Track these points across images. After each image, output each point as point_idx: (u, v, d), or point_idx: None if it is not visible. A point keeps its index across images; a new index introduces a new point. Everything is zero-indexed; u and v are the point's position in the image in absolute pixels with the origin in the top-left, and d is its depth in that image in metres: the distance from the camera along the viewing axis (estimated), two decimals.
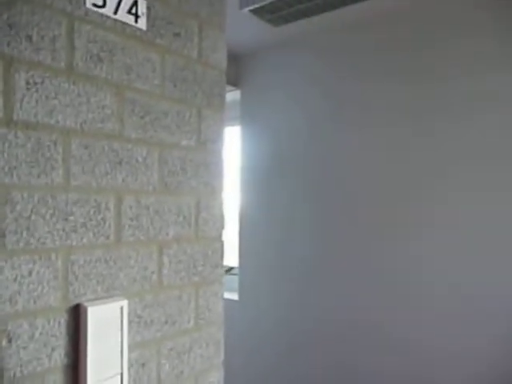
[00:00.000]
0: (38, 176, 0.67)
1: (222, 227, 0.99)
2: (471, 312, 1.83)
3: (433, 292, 1.93)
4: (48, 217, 0.68)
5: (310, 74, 2.35)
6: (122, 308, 0.76)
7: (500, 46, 1.76)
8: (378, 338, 2.09)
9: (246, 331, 2.66)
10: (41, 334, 0.67)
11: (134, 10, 0.80)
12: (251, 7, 1.84)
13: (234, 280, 2.98)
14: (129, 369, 0.79)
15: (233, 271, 3.02)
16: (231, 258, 3.04)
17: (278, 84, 2.50)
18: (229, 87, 2.62)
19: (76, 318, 0.71)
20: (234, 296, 2.79)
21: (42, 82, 0.68)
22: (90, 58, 0.74)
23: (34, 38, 0.67)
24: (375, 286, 2.11)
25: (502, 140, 1.75)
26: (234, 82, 2.62)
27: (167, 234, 0.86)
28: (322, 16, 2.00)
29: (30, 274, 0.66)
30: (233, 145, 2.96)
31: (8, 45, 0.64)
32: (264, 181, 2.58)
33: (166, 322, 0.86)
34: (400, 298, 2.03)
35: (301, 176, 2.40)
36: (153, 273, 0.83)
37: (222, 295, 0.99)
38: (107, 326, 0.74)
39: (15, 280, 0.64)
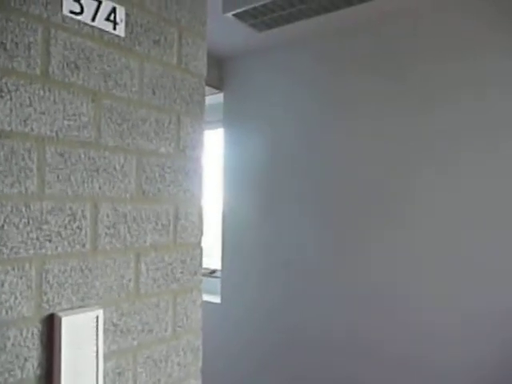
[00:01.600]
0: (12, 185, 0.66)
1: (201, 234, 0.99)
2: (468, 322, 1.86)
3: (426, 301, 1.96)
4: (22, 226, 0.67)
5: (292, 77, 2.37)
6: (97, 317, 0.75)
7: (491, 32, 1.79)
8: (361, 344, 2.11)
9: (228, 335, 2.65)
10: (13, 345, 0.66)
11: (112, 17, 0.80)
12: (234, 12, 1.84)
13: (216, 283, 2.98)
14: (104, 378, 0.78)
15: (215, 274, 3.02)
16: (214, 261, 3.03)
17: (261, 87, 2.50)
18: (212, 90, 2.62)
19: (50, 328, 0.70)
20: (216, 299, 2.78)
21: (17, 90, 0.67)
22: (67, 65, 0.73)
23: (8, 45, 0.66)
24: (362, 291, 2.13)
25: (495, 136, 1.79)
26: (217, 85, 2.61)
27: (145, 241, 0.86)
28: (304, 21, 2.01)
29: (3, 284, 0.65)
30: (216, 147, 2.96)
31: None
32: (247, 183, 2.58)
33: (143, 330, 0.85)
34: (388, 305, 2.05)
35: (285, 178, 2.41)
36: (130, 281, 0.83)
37: (201, 302, 0.98)
38: (82, 336, 0.73)
39: None
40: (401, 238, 1.99)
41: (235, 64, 2.61)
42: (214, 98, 2.76)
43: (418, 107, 1.95)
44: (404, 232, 1.98)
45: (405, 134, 1.98)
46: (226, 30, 2.16)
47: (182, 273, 0.94)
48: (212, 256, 3.02)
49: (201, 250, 0.98)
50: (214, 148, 2.99)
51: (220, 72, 2.63)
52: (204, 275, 2.93)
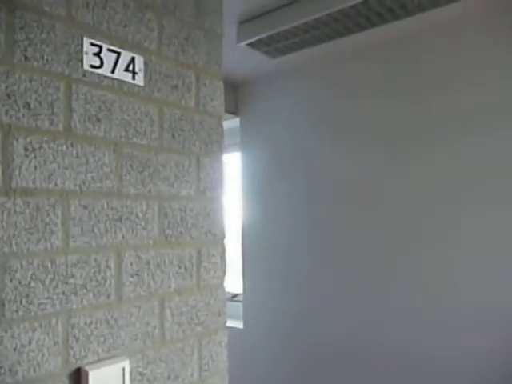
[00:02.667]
0: (37, 242, 0.67)
1: (224, 274, 0.98)
2: (474, 322, 1.80)
3: (441, 309, 1.91)
4: (48, 282, 0.67)
5: (306, 101, 2.37)
6: (123, 369, 0.75)
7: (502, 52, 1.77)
8: (385, 357, 2.06)
9: (251, 362, 2.61)
10: None
11: (131, 67, 0.81)
12: (248, 41, 1.86)
13: (238, 307, 2.95)
14: None
15: (237, 298, 2.99)
16: (235, 284, 3.01)
17: (275, 111, 2.51)
18: (228, 115, 2.64)
19: (77, 383, 0.70)
20: (239, 324, 2.76)
21: (40, 147, 0.68)
22: (88, 118, 0.74)
23: (32, 105, 0.67)
24: (379, 305, 2.09)
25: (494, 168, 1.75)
26: (233, 110, 2.63)
27: (169, 286, 0.85)
28: (317, 47, 2.02)
29: (30, 342, 0.65)
30: (233, 170, 2.97)
31: (6, 114, 0.64)
32: (266, 207, 2.57)
33: (169, 377, 0.84)
34: (405, 315, 2.00)
35: (302, 201, 2.40)
36: (154, 328, 0.82)
37: (226, 344, 0.97)
38: None
39: (15, 349, 0.63)
40: (420, 253, 1.95)
41: (250, 89, 2.63)
42: (230, 123, 2.78)
43: (429, 137, 1.92)
44: (421, 246, 1.94)
45: (416, 158, 1.95)
46: (239, 57, 2.18)
47: (206, 315, 0.93)
48: (234, 279, 3.00)
49: (224, 290, 0.98)
50: (231, 171, 3.00)
51: (235, 97, 2.66)
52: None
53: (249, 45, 1.90)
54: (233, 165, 3.00)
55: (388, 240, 2.08)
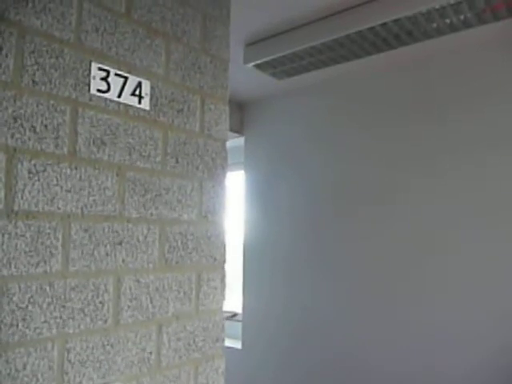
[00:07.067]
0: (37, 265, 0.66)
1: (223, 298, 0.97)
2: (467, 327, 1.77)
3: (451, 330, 1.88)
4: (45, 306, 0.67)
5: (311, 122, 2.38)
6: None
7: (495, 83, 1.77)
8: (389, 377, 2.02)
9: (249, 383, 2.57)
10: None
11: (137, 92, 0.82)
12: (254, 63, 1.88)
13: (237, 326, 2.92)
14: None
15: (236, 317, 2.96)
16: (235, 303, 2.98)
17: (280, 131, 2.53)
18: (233, 134, 2.65)
19: None
20: (237, 344, 2.72)
21: (44, 170, 0.68)
22: (93, 142, 0.75)
23: (38, 128, 0.68)
24: (383, 324, 2.06)
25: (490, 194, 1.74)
26: (238, 129, 2.65)
27: (167, 311, 0.84)
28: (323, 69, 2.04)
29: (25, 367, 0.64)
30: (237, 189, 2.97)
31: (12, 137, 0.65)
32: (268, 227, 2.57)
33: None
34: (411, 335, 1.97)
35: (305, 221, 2.39)
36: (151, 353, 0.81)
37: (223, 371, 0.96)
38: None
39: (9, 375, 0.63)
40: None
41: (255, 109, 2.65)
42: (235, 142, 2.80)
43: (434, 157, 1.92)
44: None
45: (417, 182, 1.95)
46: (246, 77, 2.20)
47: (203, 340, 0.92)
48: (234, 298, 2.97)
49: (222, 315, 0.97)
50: (234, 189, 3.01)
51: (241, 116, 2.68)
52: (226, 319, 2.89)
53: (255, 66, 1.92)
54: (236, 183, 3.00)
55: (394, 258, 2.06)
